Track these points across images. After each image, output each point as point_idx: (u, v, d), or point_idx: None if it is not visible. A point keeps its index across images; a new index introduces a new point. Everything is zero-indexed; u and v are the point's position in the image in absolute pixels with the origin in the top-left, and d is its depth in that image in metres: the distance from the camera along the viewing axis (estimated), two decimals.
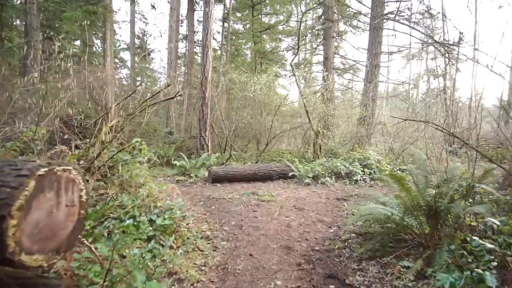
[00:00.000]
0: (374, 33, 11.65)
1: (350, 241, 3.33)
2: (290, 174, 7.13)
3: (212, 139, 9.64)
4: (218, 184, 6.73)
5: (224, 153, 8.86)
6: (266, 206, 4.90)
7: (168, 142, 9.96)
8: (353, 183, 7.29)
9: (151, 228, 2.89)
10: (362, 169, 7.62)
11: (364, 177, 7.50)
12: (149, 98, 4.13)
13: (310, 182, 6.97)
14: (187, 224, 3.65)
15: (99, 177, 3.84)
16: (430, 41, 13.08)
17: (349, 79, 21.24)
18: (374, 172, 7.79)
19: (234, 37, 19.12)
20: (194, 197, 5.49)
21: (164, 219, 2.99)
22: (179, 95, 3.93)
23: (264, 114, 10.24)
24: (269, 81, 8.56)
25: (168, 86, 4.07)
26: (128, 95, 4.28)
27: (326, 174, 7.31)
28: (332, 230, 3.79)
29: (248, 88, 8.42)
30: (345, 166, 7.57)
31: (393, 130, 10.89)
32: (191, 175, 7.25)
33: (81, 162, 3.93)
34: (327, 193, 6.23)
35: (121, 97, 5.35)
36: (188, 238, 3.18)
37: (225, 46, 15.48)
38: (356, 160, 7.97)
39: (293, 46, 18.29)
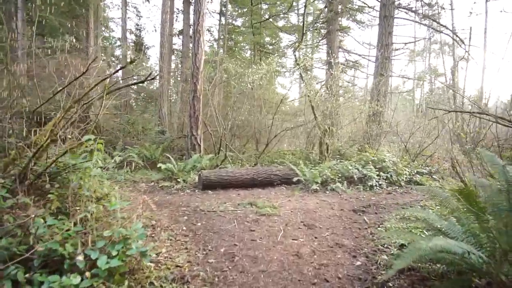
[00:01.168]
0: (384, 23, 10.61)
1: (390, 285, 2.28)
2: (295, 179, 6.07)
3: (206, 138, 8.60)
4: (209, 192, 5.68)
5: (218, 154, 7.82)
6: (267, 223, 3.85)
7: (157, 142, 8.91)
8: (368, 189, 6.25)
9: (87, 274, 1.83)
10: (377, 173, 6.58)
11: (380, 182, 6.46)
12: (104, 79, 3.08)
13: (318, 188, 5.92)
14: (157, 255, 2.61)
15: (46, 188, 2.82)
16: (443, 30, 12.07)
17: (351, 76, 20.28)
18: (391, 176, 6.75)
19: (232, 32, 18.08)
20: (177, 210, 4.44)
21: (111, 257, 1.94)
22: (152, 79, 2.92)
23: (264, 111, 9.20)
24: (270, 71, 7.51)
25: (131, 62, 3.03)
26: (80, 75, 3.20)
27: (337, 179, 6.27)
28: (359, 263, 2.74)
29: (246, 79, 7.36)
30: (358, 170, 6.53)
31: (407, 129, 9.88)
32: (178, 180, 6.20)
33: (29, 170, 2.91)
34: (339, 203, 5.19)
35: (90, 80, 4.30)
36: (151, 283, 2.13)
37: (222, 40, 14.43)
38: (369, 162, 6.92)
39: (294, 41, 17.25)
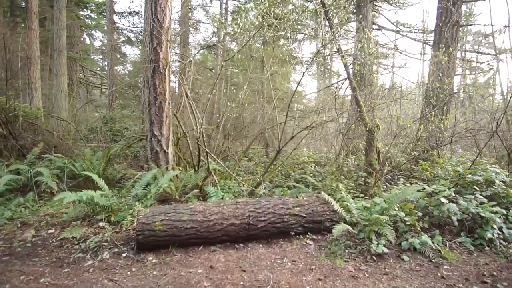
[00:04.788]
0: None
1: None
2: (335, 229, 2.86)
3: (183, 143, 5.59)
4: (148, 259, 2.63)
5: (198, 168, 4.78)
6: None
7: (102, 148, 5.93)
8: (483, 245, 3.04)
9: None
10: (494, 210, 3.32)
11: (503, 230, 3.21)
12: None
13: (385, 250, 2.75)
14: None
15: None
16: None
17: (386, 65, 16.76)
18: None
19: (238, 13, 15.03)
20: None
21: None
22: None
23: (275, 99, 6.07)
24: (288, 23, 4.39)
25: None
26: None
27: (417, 224, 3.08)
28: None
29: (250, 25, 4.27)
30: (456, 204, 3.29)
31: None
32: (102, 223, 3.20)
33: None
34: None
35: None
36: None
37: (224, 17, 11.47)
38: (474, 186, 3.68)
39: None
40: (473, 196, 3.44)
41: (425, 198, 3.43)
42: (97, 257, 2.64)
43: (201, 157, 4.68)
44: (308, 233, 3.15)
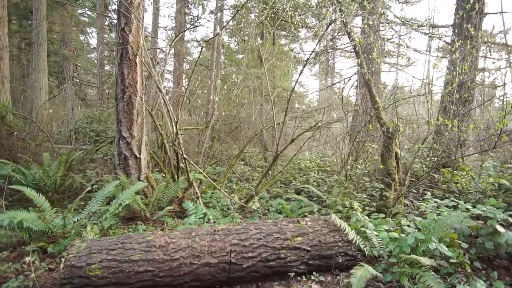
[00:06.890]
0: None
1: None
2: (357, 278, 1.98)
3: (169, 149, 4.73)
4: None
5: (177, 176, 3.93)
6: None
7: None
8: None
9: None
10: None
11: None
12: None
13: None
14: None
15: None
16: None
17: (393, 64, 15.89)
18: None
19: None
20: None
21: None
22: None
23: (273, 96, 5.21)
24: None
25: None
26: None
27: (467, 265, 2.22)
28: None
29: None
30: None
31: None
32: (28, 258, 2.35)
33: None
34: None
35: None
36: None
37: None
38: None
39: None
40: None
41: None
42: None
43: (181, 164, 3.83)
44: (314, 273, 2.29)
